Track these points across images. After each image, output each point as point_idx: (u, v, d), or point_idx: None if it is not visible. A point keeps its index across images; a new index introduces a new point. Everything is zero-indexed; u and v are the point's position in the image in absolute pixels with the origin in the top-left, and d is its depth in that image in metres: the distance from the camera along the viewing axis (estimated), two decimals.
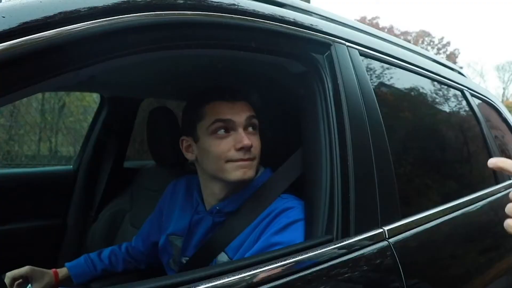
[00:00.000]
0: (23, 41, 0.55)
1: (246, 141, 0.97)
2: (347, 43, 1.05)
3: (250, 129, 1.01)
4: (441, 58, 2.14)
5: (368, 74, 1.09)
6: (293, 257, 0.79)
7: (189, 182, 1.20)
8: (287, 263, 0.77)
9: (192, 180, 1.18)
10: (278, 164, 1.08)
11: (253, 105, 1.04)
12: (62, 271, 1.24)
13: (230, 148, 0.98)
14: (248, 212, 1.00)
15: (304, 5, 1.08)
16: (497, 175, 1.71)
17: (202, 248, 1.04)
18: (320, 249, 0.84)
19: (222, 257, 1.00)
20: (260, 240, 0.93)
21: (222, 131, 0.99)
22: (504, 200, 0.68)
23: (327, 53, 0.99)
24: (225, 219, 1.03)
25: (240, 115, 1.00)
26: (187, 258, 1.09)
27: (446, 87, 1.62)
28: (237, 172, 0.98)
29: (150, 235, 1.28)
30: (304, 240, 0.91)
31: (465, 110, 1.74)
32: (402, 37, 19.50)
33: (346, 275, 0.86)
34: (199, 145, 1.03)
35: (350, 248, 0.88)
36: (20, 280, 1.12)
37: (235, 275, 0.71)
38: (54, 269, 1.22)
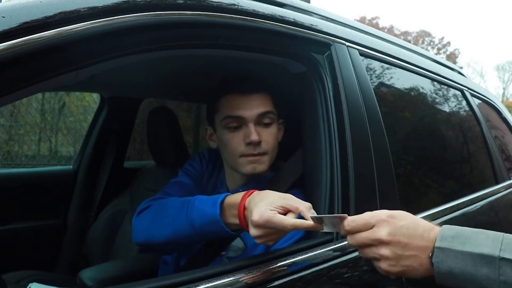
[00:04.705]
0: (23, 41, 0.55)
1: (253, 136, 0.98)
2: (347, 43, 1.05)
3: (263, 124, 1.02)
4: (441, 58, 2.14)
5: (368, 74, 1.09)
6: (293, 257, 0.79)
7: (214, 158, 1.18)
8: (287, 263, 0.77)
9: (217, 157, 1.16)
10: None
11: (273, 97, 1.05)
12: None
13: (241, 143, 1.00)
14: None
15: (304, 5, 1.08)
16: (497, 175, 1.71)
17: None
18: (320, 249, 0.84)
19: (238, 242, 0.99)
20: (281, 242, 0.90)
21: (233, 126, 1.02)
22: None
23: (327, 53, 0.99)
24: None
25: (251, 110, 1.00)
26: None
27: (446, 87, 1.62)
28: (248, 166, 1.01)
29: None
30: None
31: (465, 110, 1.74)
32: (402, 37, 19.50)
33: (346, 275, 0.86)
34: (218, 136, 1.07)
35: (350, 248, 0.88)
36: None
37: (235, 275, 0.71)
38: None
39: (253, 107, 1.01)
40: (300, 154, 1.06)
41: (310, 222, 0.71)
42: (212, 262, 1.01)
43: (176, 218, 0.91)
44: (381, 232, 0.65)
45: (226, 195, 0.86)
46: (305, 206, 0.74)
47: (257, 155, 1.01)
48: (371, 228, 0.66)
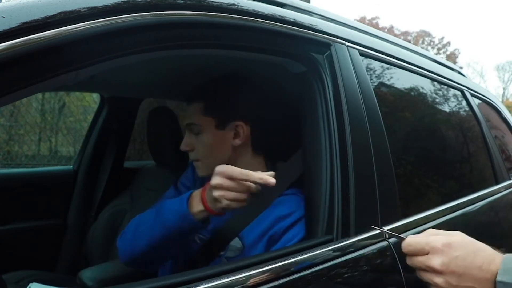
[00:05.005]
0: (23, 41, 0.55)
1: (181, 145, 1.08)
2: (347, 43, 1.05)
3: (193, 133, 1.07)
4: (441, 58, 2.14)
5: (368, 74, 1.09)
6: (293, 257, 0.79)
7: None
8: (287, 263, 0.77)
9: None
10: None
11: (208, 105, 1.06)
12: None
13: None
14: (261, 200, 1.00)
15: (304, 5, 1.08)
16: (497, 175, 1.71)
17: (221, 231, 1.04)
18: (320, 249, 0.84)
19: (236, 242, 1.00)
20: (279, 245, 0.94)
21: None
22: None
23: (327, 53, 0.98)
24: None
25: (183, 120, 1.10)
26: (202, 237, 1.07)
27: (446, 87, 1.62)
28: None
29: None
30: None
31: (465, 110, 1.74)
32: (402, 37, 19.50)
33: (346, 275, 0.86)
34: None
35: (350, 248, 0.88)
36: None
37: (235, 275, 0.71)
38: None
39: (184, 117, 1.10)
40: (300, 154, 1.06)
41: (262, 175, 0.83)
42: (211, 262, 1.02)
43: (152, 225, 0.95)
44: (434, 261, 0.64)
45: (192, 192, 0.92)
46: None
47: (193, 161, 1.09)
48: (427, 254, 0.65)
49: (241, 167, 1.03)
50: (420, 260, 0.65)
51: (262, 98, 1.08)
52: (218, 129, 1.04)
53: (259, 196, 0.93)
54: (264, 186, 1.01)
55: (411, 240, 0.67)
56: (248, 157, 1.07)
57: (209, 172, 1.03)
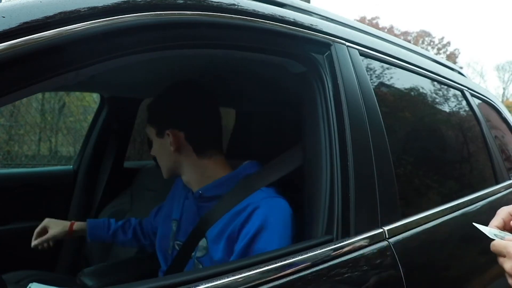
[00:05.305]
0: (23, 41, 0.55)
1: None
2: (347, 43, 1.05)
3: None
4: (441, 58, 2.14)
5: (368, 74, 1.09)
6: (293, 257, 0.79)
7: None
8: (287, 263, 0.77)
9: None
10: None
11: (149, 116, 1.15)
12: (79, 224, 1.35)
13: None
14: (230, 199, 1.03)
15: (304, 5, 1.08)
16: (497, 175, 1.71)
17: (191, 234, 1.08)
18: (320, 249, 0.84)
19: (203, 242, 1.03)
20: (238, 243, 0.96)
21: None
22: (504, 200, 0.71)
23: (327, 53, 0.98)
24: (209, 205, 1.07)
25: None
26: (179, 243, 1.12)
27: (446, 87, 1.62)
28: None
29: (155, 220, 1.35)
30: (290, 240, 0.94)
31: (465, 110, 1.74)
32: (402, 37, 19.50)
33: (346, 275, 0.86)
34: None
35: (350, 248, 0.88)
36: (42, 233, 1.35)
37: (235, 275, 0.71)
38: (72, 221, 1.37)
39: None
40: (288, 153, 1.07)
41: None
42: (187, 264, 1.06)
43: None
44: (506, 265, 0.69)
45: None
46: None
47: None
48: (504, 256, 0.71)
49: (188, 170, 1.11)
50: (500, 261, 0.72)
51: (203, 105, 1.11)
52: (158, 137, 1.11)
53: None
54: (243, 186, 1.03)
55: (496, 242, 0.73)
56: (193, 160, 1.10)
57: (168, 175, 1.15)
